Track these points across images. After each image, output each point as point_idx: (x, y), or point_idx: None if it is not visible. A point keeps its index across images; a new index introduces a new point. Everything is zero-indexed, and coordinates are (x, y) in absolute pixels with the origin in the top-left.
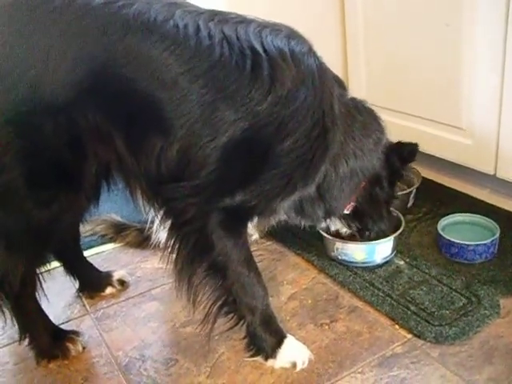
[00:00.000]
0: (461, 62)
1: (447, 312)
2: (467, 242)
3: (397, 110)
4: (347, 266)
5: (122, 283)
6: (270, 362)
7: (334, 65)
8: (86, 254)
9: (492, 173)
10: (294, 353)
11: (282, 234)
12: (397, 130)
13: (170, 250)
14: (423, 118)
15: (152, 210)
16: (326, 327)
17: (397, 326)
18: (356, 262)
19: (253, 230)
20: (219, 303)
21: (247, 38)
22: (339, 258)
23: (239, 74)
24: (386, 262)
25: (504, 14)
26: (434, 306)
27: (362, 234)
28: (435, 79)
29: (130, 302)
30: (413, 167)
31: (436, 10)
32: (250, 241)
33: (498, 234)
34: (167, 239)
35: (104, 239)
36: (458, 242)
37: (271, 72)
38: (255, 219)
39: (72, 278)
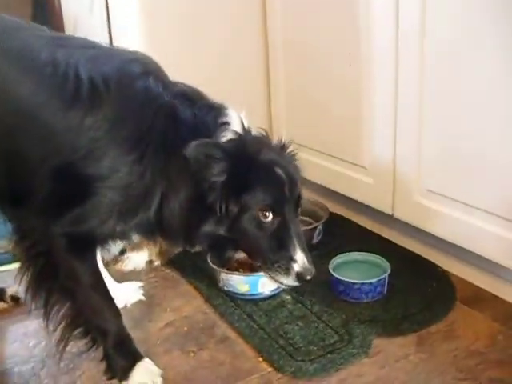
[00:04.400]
0: (361, 100)
1: (315, 348)
2: (352, 281)
3: (310, 147)
4: (233, 297)
5: (16, 299)
6: None
7: (258, 106)
8: None
9: (390, 213)
10: (144, 377)
11: (181, 262)
12: (310, 167)
13: (22, 270)
14: (333, 156)
15: None
16: (192, 355)
17: (260, 359)
18: (241, 294)
19: (154, 257)
20: (72, 325)
21: (76, 63)
22: (225, 288)
23: (61, 96)
24: (274, 296)
25: (394, 54)
26: (303, 341)
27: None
28: (342, 117)
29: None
30: (320, 202)
31: (341, 50)
32: (151, 267)
33: (386, 274)
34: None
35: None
36: (344, 279)
37: (90, 96)
38: (104, 244)
39: None
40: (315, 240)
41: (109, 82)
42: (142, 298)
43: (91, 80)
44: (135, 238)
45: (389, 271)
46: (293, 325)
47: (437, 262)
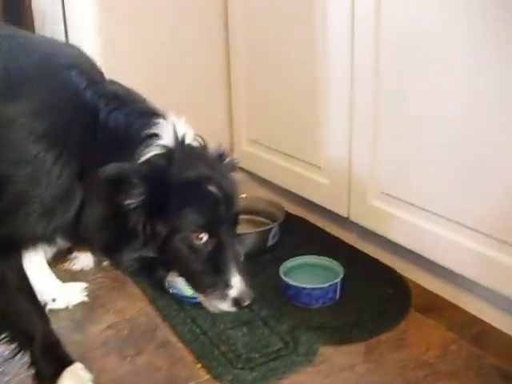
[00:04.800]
0: (317, 100)
1: (256, 355)
2: (302, 285)
3: (269, 146)
4: (180, 300)
5: None
6: None
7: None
8: None
9: (346, 215)
10: (72, 382)
11: None
12: (270, 167)
13: None
14: (289, 155)
15: None
16: (129, 359)
17: (199, 365)
18: (187, 297)
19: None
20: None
21: None
22: (171, 291)
23: None
24: None
25: (349, 52)
26: (245, 347)
27: None
28: (300, 117)
29: None
30: (277, 202)
31: (298, 47)
32: (100, 267)
33: (338, 279)
34: None
35: None
36: (294, 284)
37: (2, 89)
38: (29, 246)
39: None
40: (270, 242)
41: (26, 74)
42: (85, 299)
43: (5, 71)
44: (61, 242)
45: (341, 276)
46: (237, 330)
47: (394, 267)
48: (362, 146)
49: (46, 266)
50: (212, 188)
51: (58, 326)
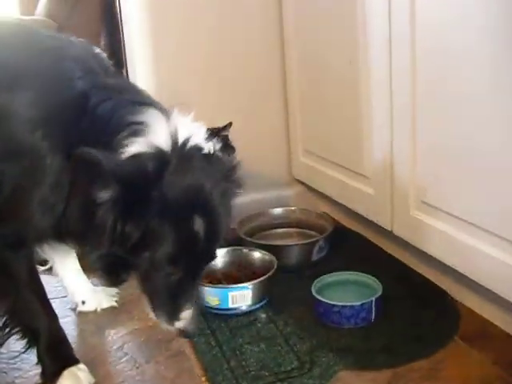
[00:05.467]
0: (359, 101)
1: (266, 373)
2: (332, 302)
3: (319, 155)
4: (208, 311)
5: None
6: None
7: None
8: None
9: (389, 229)
10: (70, 382)
11: None
12: (320, 177)
13: None
14: (338, 165)
15: None
16: (136, 368)
17: (203, 379)
18: (212, 308)
19: None
20: (6, 325)
21: None
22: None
23: None
24: (248, 312)
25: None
26: (257, 365)
27: None
28: (345, 120)
29: None
30: (325, 214)
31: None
32: None
33: (372, 298)
34: None
35: None
36: (323, 300)
37: None
38: (40, 241)
39: None
40: (315, 257)
41: (24, 64)
42: (115, 304)
43: (5, 60)
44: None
45: (377, 295)
46: (254, 345)
47: (447, 289)
48: (402, 154)
49: (79, 268)
50: (196, 222)
51: (81, 328)
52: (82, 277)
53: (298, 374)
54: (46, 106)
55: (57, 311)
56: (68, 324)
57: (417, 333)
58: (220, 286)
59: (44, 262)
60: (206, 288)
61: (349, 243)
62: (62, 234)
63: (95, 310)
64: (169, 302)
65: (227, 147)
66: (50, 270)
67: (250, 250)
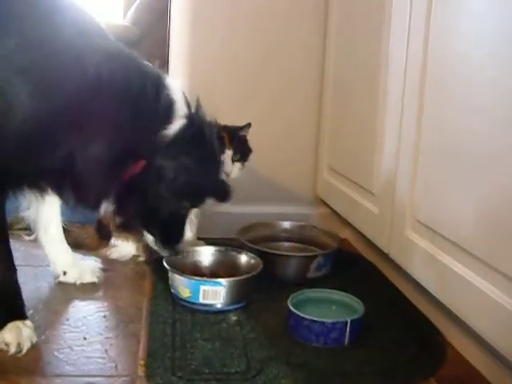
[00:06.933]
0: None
1: (206, 371)
2: (303, 315)
3: (338, 171)
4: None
5: None
6: None
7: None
8: None
9: (386, 251)
10: (12, 336)
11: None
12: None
13: None
14: (354, 182)
15: None
16: (84, 339)
17: (142, 362)
18: (181, 299)
19: (140, 252)
20: None
21: None
22: (172, 290)
23: None
24: (220, 312)
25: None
26: (202, 361)
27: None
28: (360, 136)
29: None
30: (333, 232)
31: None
32: (135, 261)
33: (348, 320)
34: None
35: None
36: (295, 312)
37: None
38: (13, 188)
39: None
40: (312, 274)
41: (15, 11)
42: (95, 280)
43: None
44: (45, 189)
45: (352, 318)
46: (209, 343)
47: (437, 324)
48: (405, 174)
49: (62, 238)
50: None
51: (52, 295)
52: (65, 247)
53: (240, 378)
54: (34, 52)
55: (37, 278)
56: (42, 289)
57: (389, 367)
58: (193, 277)
59: (30, 232)
60: (179, 277)
61: (355, 267)
62: (38, 182)
63: (74, 283)
64: (177, 232)
65: (244, 147)
66: (34, 242)
67: (237, 253)
